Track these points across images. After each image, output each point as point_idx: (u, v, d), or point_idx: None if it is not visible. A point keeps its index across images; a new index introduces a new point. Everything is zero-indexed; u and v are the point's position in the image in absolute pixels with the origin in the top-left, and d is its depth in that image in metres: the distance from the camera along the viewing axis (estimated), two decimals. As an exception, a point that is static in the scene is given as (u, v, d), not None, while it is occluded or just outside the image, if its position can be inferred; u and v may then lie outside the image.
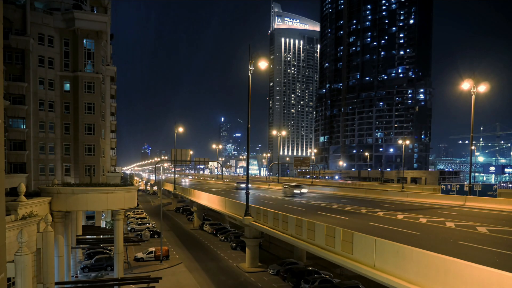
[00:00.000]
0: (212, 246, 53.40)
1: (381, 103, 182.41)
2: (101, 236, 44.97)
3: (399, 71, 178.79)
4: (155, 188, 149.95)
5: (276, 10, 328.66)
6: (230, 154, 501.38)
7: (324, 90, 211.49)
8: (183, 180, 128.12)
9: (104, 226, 54.29)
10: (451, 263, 14.05)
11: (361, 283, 31.97)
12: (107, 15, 52.51)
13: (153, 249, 45.36)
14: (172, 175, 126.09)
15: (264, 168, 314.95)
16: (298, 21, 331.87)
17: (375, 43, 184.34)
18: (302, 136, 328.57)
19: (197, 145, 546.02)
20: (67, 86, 46.33)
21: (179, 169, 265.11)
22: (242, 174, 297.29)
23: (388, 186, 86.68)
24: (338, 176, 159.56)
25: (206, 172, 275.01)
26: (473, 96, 41.24)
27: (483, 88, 40.78)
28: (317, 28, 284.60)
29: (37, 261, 22.49)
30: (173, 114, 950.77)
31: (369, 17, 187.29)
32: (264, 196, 56.98)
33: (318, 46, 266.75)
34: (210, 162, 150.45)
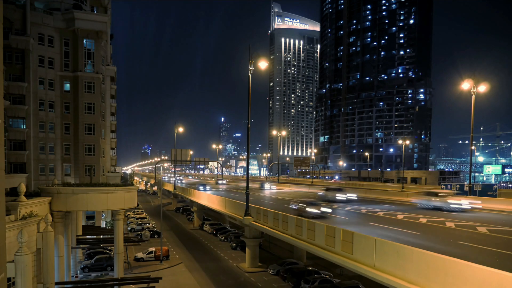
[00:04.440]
0: (212, 246, 53.38)
1: (381, 103, 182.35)
2: (101, 236, 44.94)
3: (399, 71, 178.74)
4: (155, 188, 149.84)
5: (276, 10, 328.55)
6: (230, 154, 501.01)
7: (324, 90, 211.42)
8: (184, 180, 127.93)
9: (104, 226, 54.27)
10: (451, 263, 14.05)
11: (361, 283, 31.96)
12: (107, 15, 52.49)
13: (153, 249, 45.35)
14: (172, 175, 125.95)
15: (264, 168, 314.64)
16: (298, 21, 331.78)
17: (375, 43, 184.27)
18: (302, 136, 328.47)
19: (197, 145, 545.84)
20: (67, 86, 46.28)
21: (179, 169, 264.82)
22: (242, 174, 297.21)
23: (388, 186, 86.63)
24: (338, 176, 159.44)
25: (206, 172, 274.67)
26: (473, 96, 41.24)
27: (483, 88, 40.77)
28: (317, 28, 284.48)
29: (37, 261, 22.48)
30: (173, 114, 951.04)
31: (369, 17, 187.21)
32: (260, 195, 56.94)
33: (318, 46, 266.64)
34: (210, 162, 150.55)
